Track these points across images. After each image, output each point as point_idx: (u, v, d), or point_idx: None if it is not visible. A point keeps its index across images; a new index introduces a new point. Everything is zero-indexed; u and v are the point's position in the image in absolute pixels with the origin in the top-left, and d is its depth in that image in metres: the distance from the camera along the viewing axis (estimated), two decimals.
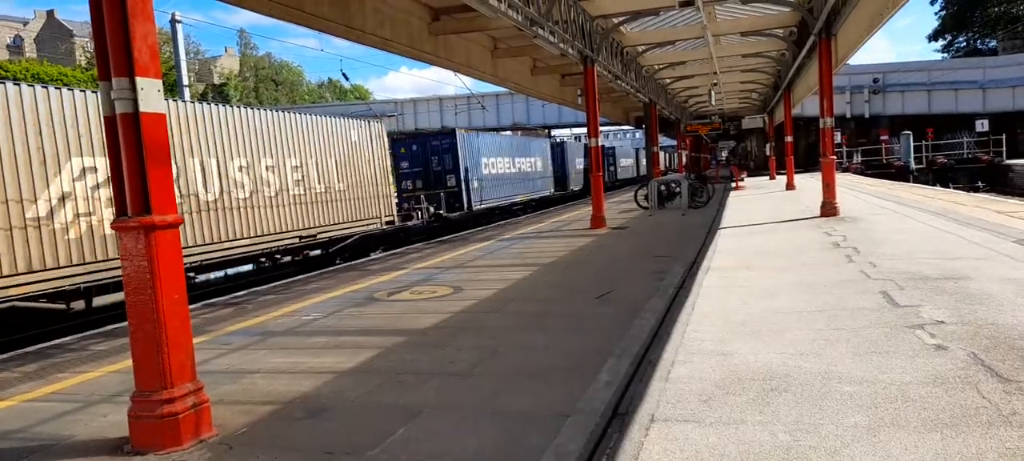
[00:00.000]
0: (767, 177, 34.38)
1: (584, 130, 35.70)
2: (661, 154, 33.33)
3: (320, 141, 15.91)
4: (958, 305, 5.30)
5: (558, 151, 37.19)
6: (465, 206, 22.68)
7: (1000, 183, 33.12)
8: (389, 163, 18.68)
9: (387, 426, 4.01)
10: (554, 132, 53.56)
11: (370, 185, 17.59)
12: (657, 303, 6.91)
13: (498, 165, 26.44)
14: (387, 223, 18.24)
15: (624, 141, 68.03)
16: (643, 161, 43.74)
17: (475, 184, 23.87)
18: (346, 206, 16.62)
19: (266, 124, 14.26)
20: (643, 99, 25.42)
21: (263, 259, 14.28)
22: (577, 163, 39.03)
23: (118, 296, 10.42)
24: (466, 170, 23.19)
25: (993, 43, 54.60)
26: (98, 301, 10.72)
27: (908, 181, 31.84)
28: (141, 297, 3.86)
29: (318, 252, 15.92)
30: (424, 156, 22.77)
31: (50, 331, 9.46)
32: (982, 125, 38.86)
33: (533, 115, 49.29)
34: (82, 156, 10.47)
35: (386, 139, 18.71)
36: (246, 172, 13.50)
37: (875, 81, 41.75)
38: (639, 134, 59.31)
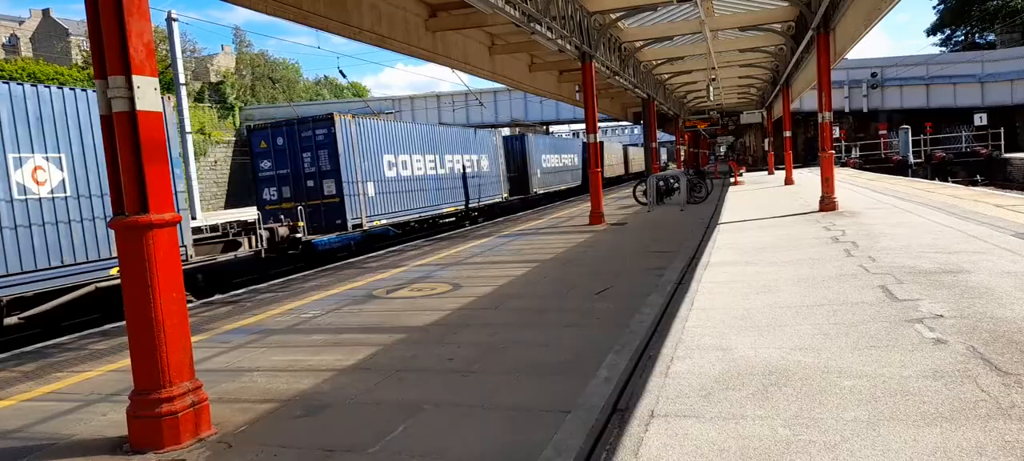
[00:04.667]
0: (766, 172, 34.37)
1: (582, 126, 36.27)
2: (662, 149, 33.80)
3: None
4: (957, 299, 5.30)
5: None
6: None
7: (999, 177, 33.15)
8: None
9: (387, 423, 4.01)
10: (553, 128, 53.48)
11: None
12: (656, 298, 6.91)
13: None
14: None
15: (631, 137, 68.37)
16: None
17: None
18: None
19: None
20: (641, 95, 25.38)
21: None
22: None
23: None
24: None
25: (991, 36, 54.56)
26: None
27: (907, 175, 31.86)
28: (139, 296, 3.85)
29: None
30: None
31: (48, 331, 9.53)
32: (980, 119, 38.83)
33: (531, 111, 49.07)
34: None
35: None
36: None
37: (873, 75, 41.70)
38: (637, 130, 59.37)
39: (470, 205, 23.79)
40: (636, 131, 65.28)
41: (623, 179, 46.14)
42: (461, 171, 23.19)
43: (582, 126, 37.93)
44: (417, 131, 20.60)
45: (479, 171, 24.66)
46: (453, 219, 22.92)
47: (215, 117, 47.29)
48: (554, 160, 34.78)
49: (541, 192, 31.80)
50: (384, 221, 18.13)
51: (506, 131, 43.45)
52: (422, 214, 20.42)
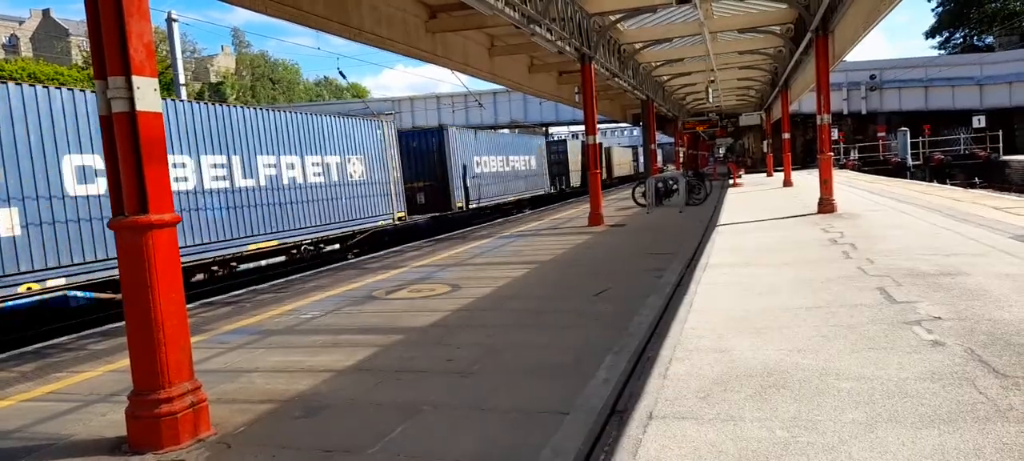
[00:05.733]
0: (765, 174, 34.38)
1: (582, 127, 36.13)
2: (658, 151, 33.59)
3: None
4: (955, 301, 5.31)
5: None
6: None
7: (997, 179, 33.19)
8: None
9: (386, 424, 4.01)
10: (552, 130, 53.55)
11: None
12: (655, 300, 6.91)
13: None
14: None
15: (629, 139, 68.10)
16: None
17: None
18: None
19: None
20: (640, 96, 25.42)
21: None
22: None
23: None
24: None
25: (989, 39, 54.66)
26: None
27: (905, 177, 31.89)
28: (138, 296, 3.85)
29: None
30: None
31: (48, 330, 9.53)
32: (979, 121, 38.92)
33: (531, 113, 49.15)
34: None
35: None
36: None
37: (872, 78, 41.74)
38: (636, 132, 59.41)
39: (326, 235, 15.85)
40: (635, 133, 65.26)
41: (606, 185, 41.64)
42: (299, 181, 15.00)
43: (582, 127, 37.80)
44: (191, 113, 12.37)
45: (347, 180, 16.70)
46: (281, 259, 14.62)
47: None
48: (497, 164, 27.06)
49: (474, 206, 24.09)
50: (61, 280, 9.83)
51: (506, 131, 43.39)
52: (191, 259, 11.96)
